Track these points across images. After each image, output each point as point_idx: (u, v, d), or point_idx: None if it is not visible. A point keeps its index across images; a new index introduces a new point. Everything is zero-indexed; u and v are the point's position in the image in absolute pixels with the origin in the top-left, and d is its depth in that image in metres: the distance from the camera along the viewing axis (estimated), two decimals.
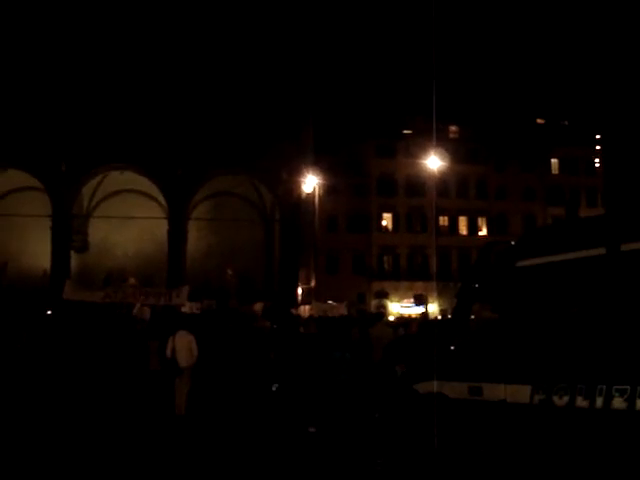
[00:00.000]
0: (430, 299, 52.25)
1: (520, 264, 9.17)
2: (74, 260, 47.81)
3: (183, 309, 28.02)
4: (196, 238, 48.44)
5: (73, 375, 16.67)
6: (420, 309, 50.69)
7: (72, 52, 43.23)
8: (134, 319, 21.84)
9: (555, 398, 8.04)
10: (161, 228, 46.24)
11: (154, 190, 47.28)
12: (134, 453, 11.33)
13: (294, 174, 45.70)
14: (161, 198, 47.20)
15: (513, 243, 9.93)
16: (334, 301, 37.95)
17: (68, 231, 46.13)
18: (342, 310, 32.85)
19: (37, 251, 46.66)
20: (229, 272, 45.52)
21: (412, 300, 54.62)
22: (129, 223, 48.08)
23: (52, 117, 43.24)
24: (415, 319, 34.90)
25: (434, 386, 10.14)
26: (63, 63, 43.18)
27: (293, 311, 33.00)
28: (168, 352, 14.78)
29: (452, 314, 11.57)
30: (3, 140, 42.83)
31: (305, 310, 39.63)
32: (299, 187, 46.21)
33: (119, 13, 43.57)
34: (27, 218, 45.63)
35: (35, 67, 43.03)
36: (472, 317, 10.64)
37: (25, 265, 47.33)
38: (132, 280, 39.15)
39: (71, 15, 43.12)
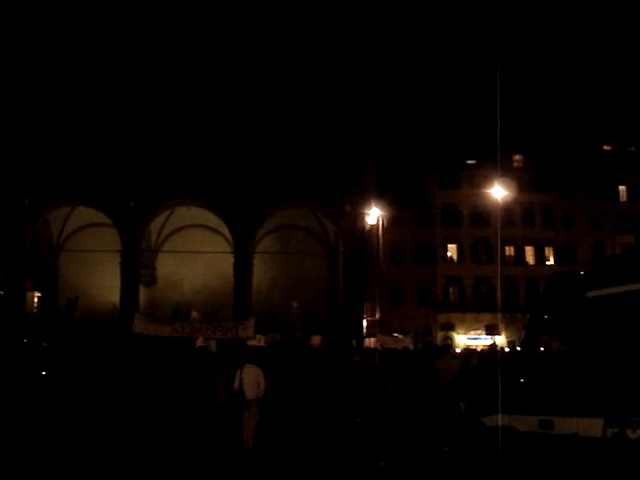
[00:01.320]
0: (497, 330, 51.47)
1: (590, 294, 9.02)
2: (143, 294, 48.72)
3: (249, 342, 28.28)
4: (261, 271, 48.81)
5: (142, 407, 16.93)
6: (487, 341, 49.94)
7: (139, 90, 44.49)
8: (203, 351, 22.10)
9: (629, 431, 7.85)
10: (227, 262, 46.74)
11: (220, 225, 47.94)
12: None
13: (357, 206, 45.80)
14: (227, 232, 47.80)
15: (582, 273, 9.78)
16: (400, 333, 37.75)
17: (137, 266, 47.04)
18: (408, 342, 32.59)
19: (107, 285, 47.68)
20: (294, 305, 45.73)
21: (479, 332, 53.84)
22: (196, 257, 48.79)
23: (120, 155, 44.42)
24: (475, 351, 34.37)
25: (503, 419, 9.98)
26: (130, 103, 44.43)
27: (354, 343, 32.94)
28: (236, 385, 14.92)
29: (521, 346, 11.42)
30: (73, 178, 44.14)
31: (370, 343, 39.51)
32: (363, 219, 46.26)
33: (182, 46, 44.78)
34: (97, 253, 46.80)
35: (101, 107, 44.34)
36: (541, 349, 10.48)
37: (95, 299, 48.42)
38: (195, 314, 39.75)
39: (134, 50, 44.47)
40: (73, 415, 16.27)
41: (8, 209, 45.48)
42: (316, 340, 36.63)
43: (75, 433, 15.19)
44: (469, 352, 27.23)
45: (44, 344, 27.74)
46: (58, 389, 17.66)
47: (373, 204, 45.88)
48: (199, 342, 26.51)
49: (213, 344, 25.11)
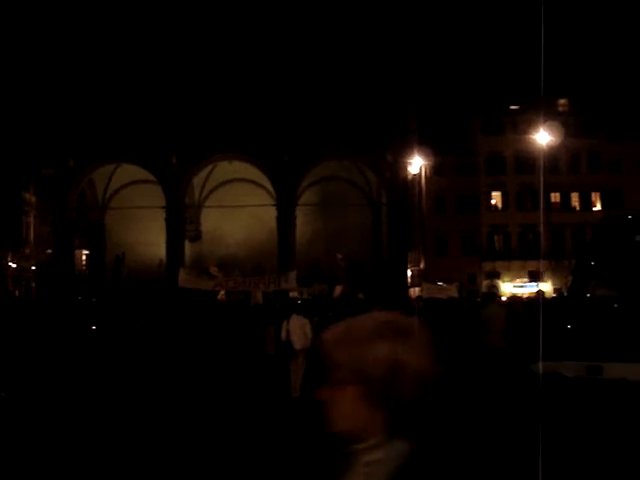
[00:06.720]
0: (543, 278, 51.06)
1: (639, 238, 8.88)
2: (188, 249, 49.30)
3: (292, 294, 28.60)
4: (304, 224, 48.90)
5: (192, 359, 17.25)
6: (533, 289, 49.62)
7: (179, 46, 44.40)
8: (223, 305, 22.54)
9: None
10: (270, 215, 46.96)
11: (262, 178, 48.06)
12: (252, 435, 11.63)
13: (399, 156, 45.48)
14: (269, 185, 47.92)
15: (630, 217, 9.62)
16: (444, 283, 37.66)
17: (182, 221, 47.54)
18: (453, 291, 32.58)
19: (153, 241, 48.29)
20: (339, 256, 45.87)
21: (525, 280, 53.49)
22: (239, 211, 48.99)
23: (161, 113, 44.60)
24: (520, 299, 34.16)
25: (550, 366, 9.95)
26: (169, 60, 44.41)
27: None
28: (283, 335, 15.08)
29: (568, 292, 11.33)
30: (116, 137, 44.54)
31: (415, 292, 39.56)
32: (405, 169, 45.95)
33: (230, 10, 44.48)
34: (143, 210, 47.31)
35: (142, 65, 44.45)
36: (588, 295, 10.38)
37: (142, 255, 49.15)
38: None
39: (171, 7, 44.30)
40: (122, 364, 16.68)
41: (54, 169, 46.22)
42: (337, 291, 36.32)
43: (124, 381, 15.56)
44: (514, 300, 27.17)
45: (93, 300, 28.40)
46: (110, 340, 18.12)
47: (415, 153, 45.48)
48: (220, 296, 27.32)
49: (259, 296, 25.41)
